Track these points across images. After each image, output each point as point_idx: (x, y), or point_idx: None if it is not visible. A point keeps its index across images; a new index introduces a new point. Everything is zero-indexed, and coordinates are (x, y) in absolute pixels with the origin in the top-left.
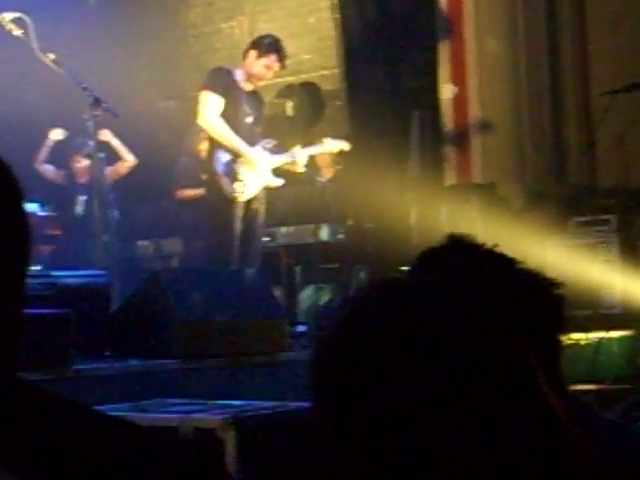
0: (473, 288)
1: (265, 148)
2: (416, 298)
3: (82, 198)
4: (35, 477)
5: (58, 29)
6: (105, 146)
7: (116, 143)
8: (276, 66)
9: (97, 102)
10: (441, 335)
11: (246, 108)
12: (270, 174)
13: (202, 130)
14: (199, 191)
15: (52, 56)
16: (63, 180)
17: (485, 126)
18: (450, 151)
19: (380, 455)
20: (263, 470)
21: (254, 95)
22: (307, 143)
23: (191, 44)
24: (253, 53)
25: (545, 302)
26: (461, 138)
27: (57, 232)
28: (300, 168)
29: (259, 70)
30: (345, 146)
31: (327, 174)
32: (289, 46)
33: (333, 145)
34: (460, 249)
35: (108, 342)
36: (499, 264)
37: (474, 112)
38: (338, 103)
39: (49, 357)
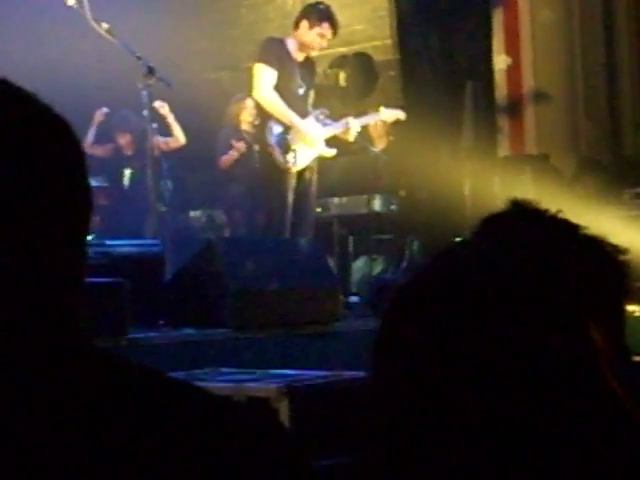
0: (537, 255)
1: (318, 119)
2: (480, 265)
3: (128, 171)
4: (115, 440)
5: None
6: (158, 117)
7: (171, 119)
8: (329, 34)
9: (151, 71)
10: (504, 303)
11: (299, 78)
12: (323, 144)
13: (243, 100)
14: (231, 154)
15: (106, 25)
16: (110, 154)
17: (539, 97)
18: (504, 122)
19: (441, 418)
20: (317, 439)
21: (307, 64)
22: (360, 113)
23: (243, 14)
24: (305, 23)
25: (608, 267)
26: (515, 109)
27: (106, 203)
28: (352, 137)
29: (312, 39)
30: (401, 115)
31: (380, 144)
32: (342, 16)
33: (388, 114)
34: (524, 215)
35: (162, 311)
36: (563, 230)
37: (528, 83)
38: (391, 74)
39: (104, 326)
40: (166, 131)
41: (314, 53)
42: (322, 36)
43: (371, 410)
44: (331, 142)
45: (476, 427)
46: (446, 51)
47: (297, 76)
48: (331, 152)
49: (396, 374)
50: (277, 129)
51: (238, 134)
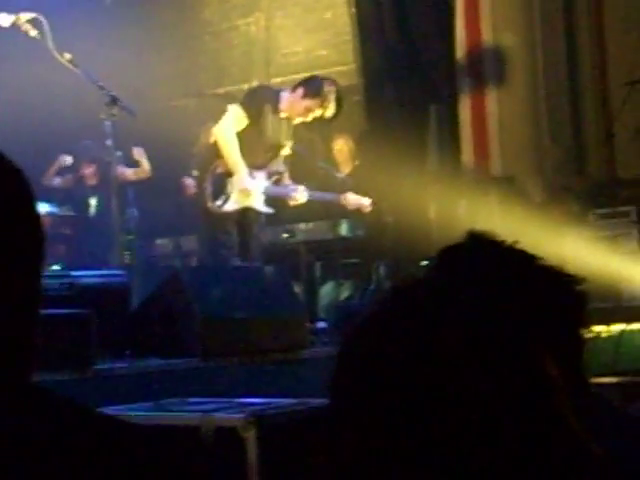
0: (493, 288)
1: (271, 175)
2: (437, 299)
3: (93, 200)
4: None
5: (74, 29)
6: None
7: (143, 159)
8: (317, 111)
9: (114, 101)
10: (458, 341)
11: (274, 132)
12: (261, 202)
13: (211, 128)
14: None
15: (68, 56)
16: (73, 184)
17: (503, 119)
18: (468, 145)
19: (398, 449)
20: (285, 468)
21: (288, 124)
22: (325, 138)
23: (207, 41)
24: (301, 90)
25: (567, 299)
26: (479, 132)
27: (71, 232)
28: (292, 203)
29: (299, 108)
30: (366, 204)
31: (346, 169)
32: (306, 41)
33: (349, 201)
34: (480, 246)
35: (128, 341)
36: (520, 261)
37: (491, 106)
38: (355, 98)
39: (70, 357)
40: (130, 161)
41: (293, 118)
42: (308, 110)
43: (328, 445)
44: (297, 172)
45: (432, 466)
46: (410, 75)
47: (273, 130)
48: (267, 211)
49: (350, 412)
50: (219, 169)
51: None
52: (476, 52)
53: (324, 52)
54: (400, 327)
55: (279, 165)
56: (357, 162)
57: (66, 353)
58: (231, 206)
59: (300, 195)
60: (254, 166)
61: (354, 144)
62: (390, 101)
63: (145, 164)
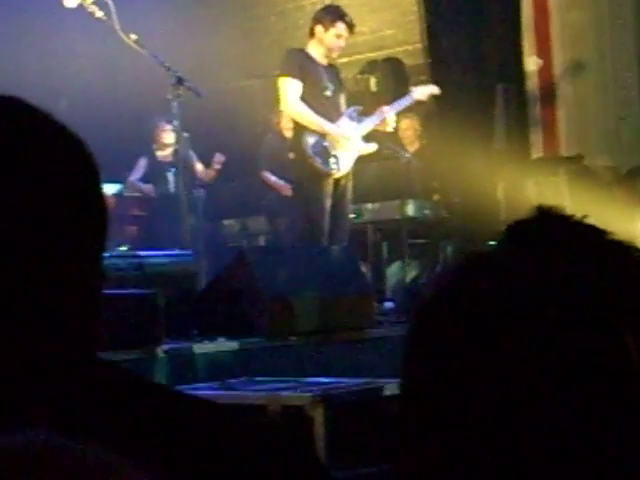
0: (562, 262)
1: (352, 117)
2: (507, 273)
3: (170, 175)
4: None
5: (139, 10)
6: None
7: (217, 165)
8: (345, 32)
9: (180, 81)
10: (532, 312)
11: (326, 82)
12: (361, 142)
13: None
14: (282, 185)
15: (134, 36)
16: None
17: (571, 98)
18: (536, 124)
19: (470, 429)
20: (352, 447)
21: (332, 68)
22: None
23: (273, 22)
24: (319, 27)
25: (638, 275)
26: (547, 111)
27: (143, 213)
28: (390, 127)
29: (330, 41)
30: (435, 90)
31: (412, 149)
32: (371, 22)
33: (422, 92)
34: (549, 221)
35: (196, 321)
36: (590, 236)
37: (559, 84)
38: (422, 78)
39: (138, 337)
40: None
41: (335, 54)
42: (339, 36)
43: (401, 421)
44: (370, 137)
45: (504, 441)
46: (476, 54)
47: (324, 81)
48: (372, 147)
49: (423, 387)
50: (312, 139)
51: (282, 142)
52: (543, 30)
53: (390, 32)
54: (469, 304)
55: (350, 106)
56: (424, 141)
57: (134, 333)
58: (345, 163)
59: (389, 116)
60: (332, 119)
61: (420, 124)
62: (457, 80)
63: (215, 171)
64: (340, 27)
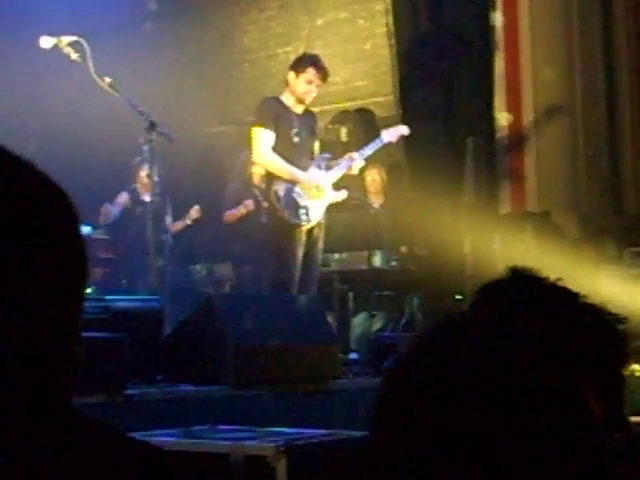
0: (537, 325)
1: (320, 166)
2: (480, 336)
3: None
4: None
5: (114, 53)
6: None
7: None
8: (316, 78)
9: (152, 126)
10: (505, 374)
11: (299, 128)
12: (331, 191)
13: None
14: (239, 210)
15: (108, 80)
16: (129, 205)
17: (540, 155)
18: (505, 179)
19: None
20: None
21: (307, 116)
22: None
23: (246, 69)
24: (292, 74)
25: (608, 337)
26: (516, 165)
27: (106, 255)
28: (356, 170)
29: (301, 87)
30: (404, 131)
31: (377, 200)
32: (344, 72)
33: (391, 135)
34: (523, 282)
35: (160, 366)
36: (562, 298)
37: (529, 140)
38: None
39: (102, 381)
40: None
41: (307, 101)
42: (310, 82)
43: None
44: (339, 184)
45: None
46: (447, 107)
47: (296, 126)
48: (342, 195)
49: (394, 442)
50: (282, 188)
51: (247, 189)
52: (514, 85)
53: (362, 83)
54: (446, 363)
55: (319, 154)
56: (387, 193)
57: (98, 377)
58: (315, 213)
59: (358, 160)
60: (303, 168)
61: (386, 175)
62: (427, 133)
63: (185, 224)
64: (311, 72)
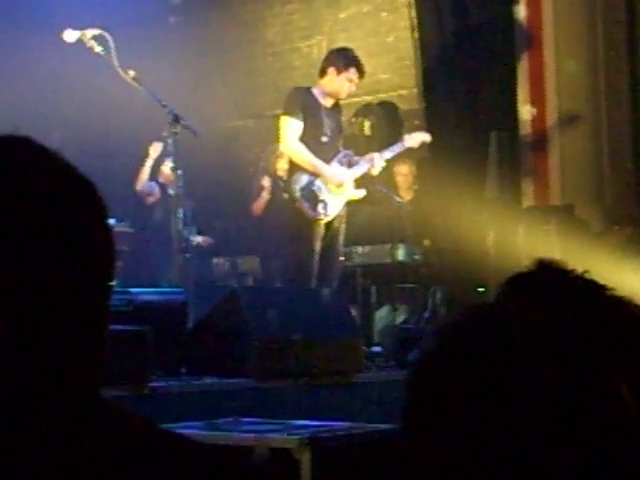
0: (563, 316)
1: (342, 162)
2: (508, 327)
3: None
4: None
5: (138, 47)
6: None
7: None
8: (357, 78)
9: (176, 119)
10: (534, 364)
11: (327, 124)
12: (351, 187)
13: (279, 150)
14: (262, 197)
15: (132, 73)
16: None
17: (563, 148)
18: (528, 172)
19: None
20: None
21: (335, 110)
22: (388, 164)
23: (269, 62)
24: (332, 70)
25: (636, 330)
26: (539, 159)
27: (129, 248)
28: (376, 172)
29: (341, 85)
30: (426, 138)
31: (407, 196)
32: (367, 65)
33: (414, 140)
34: (550, 275)
35: (184, 359)
36: (590, 291)
37: (552, 134)
38: (416, 123)
39: (126, 374)
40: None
41: (343, 97)
42: (350, 81)
43: (404, 471)
44: (360, 182)
45: None
46: (471, 100)
47: (325, 123)
48: (360, 193)
49: (426, 438)
50: (304, 180)
51: (273, 182)
52: (538, 79)
53: (385, 76)
54: (473, 356)
55: (344, 150)
56: (417, 187)
57: (123, 369)
58: (333, 208)
59: (378, 162)
60: (326, 161)
61: (416, 169)
62: (451, 126)
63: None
64: (352, 72)
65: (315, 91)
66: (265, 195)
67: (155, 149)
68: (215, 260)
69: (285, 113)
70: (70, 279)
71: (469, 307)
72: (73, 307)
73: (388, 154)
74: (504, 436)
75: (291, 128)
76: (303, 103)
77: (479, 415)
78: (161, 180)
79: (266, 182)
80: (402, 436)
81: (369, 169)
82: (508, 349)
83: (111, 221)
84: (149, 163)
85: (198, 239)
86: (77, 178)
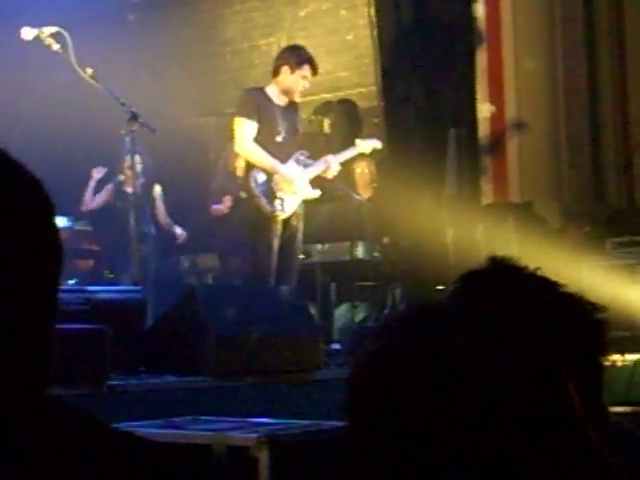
0: (514, 312)
1: (298, 161)
2: (456, 323)
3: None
4: None
5: (96, 44)
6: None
7: (166, 221)
8: (310, 75)
9: (134, 117)
10: (479, 360)
11: (281, 124)
12: (307, 187)
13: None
14: (222, 209)
15: (90, 71)
16: (112, 197)
17: (522, 145)
18: (487, 169)
19: (415, 474)
20: None
21: (291, 108)
22: (346, 162)
23: (228, 60)
24: (285, 68)
25: (587, 326)
26: (498, 157)
27: (88, 247)
28: (331, 175)
29: (295, 83)
30: (377, 145)
31: (366, 194)
32: (327, 63)
33: (365, 145)
34: (502, 272)
35: (143, 358)
36: (541, 288)
37: (511, 131)
38: (375, 120)
39: (84, 373)
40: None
41: (297, 96)
42: (304, 78)
43: (348, 463)
44: (315, 183)
45: None
46: (430, 98)
47: (279, 123)
48: (316, 194)
49: (372, 436)
50: (261, 177)
51: (232, 181)
52: (497, 77)
53: (345, 73)
54: (421, 352)
55: (299, 150)
56: (375, 185)
57: (80, 368)
58: (289, 206)
59: (333, 165)
60: (282, 161)
61: (375, 168)
62: (410, 124)
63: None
64: (306, 69)
65: (269, 90)
66: (224, 209)
67: (98, 172)
68: (175, 258)
69: (239, 115)
70: (15, 275)
71: (416, 305)
72: (19, 304)
73: (341, 157)
74: (453, 428)
75: (245, 129)
76: (256, 104)
77: (426, 411)
78: (122, 178)
79: (228, 202)
80: (348, 434)
81: (324, 171)
82: (453, 346)
83: (66, 220)
84: (92, 184)
85: (177, 231)
86: (23, 174)
